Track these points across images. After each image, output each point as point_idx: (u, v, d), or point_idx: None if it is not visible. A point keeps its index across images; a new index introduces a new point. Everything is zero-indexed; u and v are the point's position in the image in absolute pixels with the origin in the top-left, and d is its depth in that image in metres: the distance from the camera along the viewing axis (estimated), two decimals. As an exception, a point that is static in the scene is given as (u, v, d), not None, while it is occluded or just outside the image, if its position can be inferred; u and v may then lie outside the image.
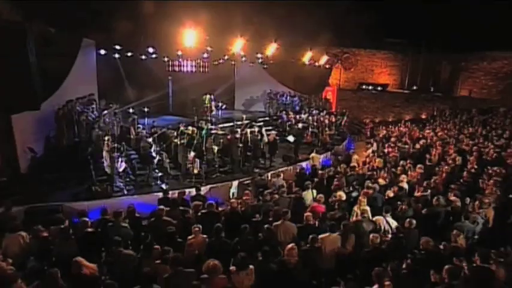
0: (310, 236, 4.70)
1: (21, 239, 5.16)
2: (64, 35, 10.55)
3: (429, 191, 7.20)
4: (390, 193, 7.08)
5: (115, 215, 5.20)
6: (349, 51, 25.02)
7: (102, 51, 13.11)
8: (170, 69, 14.94)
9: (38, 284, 3.82)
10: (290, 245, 4.44)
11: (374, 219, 5.76)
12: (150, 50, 12.49)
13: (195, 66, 14.92)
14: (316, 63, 16.43)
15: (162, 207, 5.55)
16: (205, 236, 4.94)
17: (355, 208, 6.15)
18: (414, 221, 5.46)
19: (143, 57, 13.37)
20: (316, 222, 5.46)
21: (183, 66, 15.14)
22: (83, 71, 12.58)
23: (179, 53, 12.82)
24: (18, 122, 9.01)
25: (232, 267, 4.13)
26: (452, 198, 6.66)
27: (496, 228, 6.08)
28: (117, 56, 13.39)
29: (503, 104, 20.43)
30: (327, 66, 18.22)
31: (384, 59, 26.00)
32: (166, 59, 14.62)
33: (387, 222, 5.66)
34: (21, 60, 8.52)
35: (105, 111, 11.38)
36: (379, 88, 24.10)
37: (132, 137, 10.89)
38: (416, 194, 7.29)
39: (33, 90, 8.91)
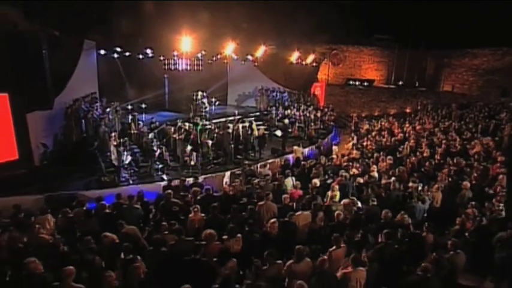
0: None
1: (49, 219, 6.35)
2: (67, 37, 11.57)
3: (393, 178, 8.49)
4: (360, 180, 8.39)
5: (129, 198, 6.43)
6: (338, 47, 26.20)
7: (102, 52, 14.12)
8: (166, 67, 16.00)
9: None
10: (271, 220, 5.71)
11: (343, 201, 7.04)
12: (148, 51, 13.59)
13: (189, 65, 15.97)
14: (303, 62, 17.58)
15: (169, 191, 6.79)
16: (203, 214, 6.20)
17: (328, 193, 7.43)
18: (375, 201, 6.83)
19: (140, 56, 14.39)
20: (294, 204, 6.74)
21: (178, 65, 16.19)
22: (85, 71, 13.59)
23: (175, 53, 13.96)
24: (31, 119, 10.13)
25: (224, 236, 5.37)
26: (411, 184, 7.98)
27: (443, 208, 7.43)
28: (116, 56, 14.42)
29: (482, 98, 21.83)
30: (314, 64, 19.38)
31: (371, 55, 27.24)
32: (162, 58, 15.67)
33: (354, 203, 6.97)
34: (36, 65, 9.67)
35: (108, 109, 12.47)
36: (366, 83, 25.39)
37: (133, 132, 12.05)
38: (383, 181, 8.59)
39: (46, 91, 10.08)
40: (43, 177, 9.62)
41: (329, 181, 8.14)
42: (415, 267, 4.73)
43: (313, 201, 6.41)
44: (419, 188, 7.69)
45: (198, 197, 7.05)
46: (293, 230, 5.82)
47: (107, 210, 6.36)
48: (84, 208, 6.51)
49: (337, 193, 7.31)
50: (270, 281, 4.31)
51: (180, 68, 15.79)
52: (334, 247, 4.95)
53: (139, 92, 15.68)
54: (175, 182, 8.34)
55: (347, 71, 26.39)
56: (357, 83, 25.24)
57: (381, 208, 6.45)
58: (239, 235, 5.36)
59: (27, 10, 9.60)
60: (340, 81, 25.76)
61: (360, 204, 6.95)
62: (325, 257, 4.62)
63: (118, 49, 13.68)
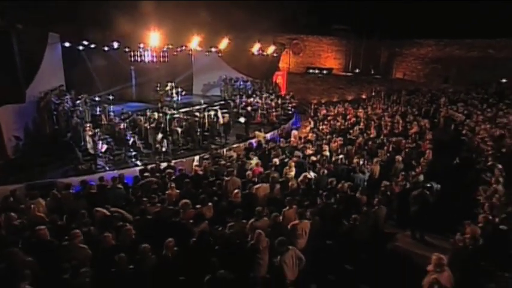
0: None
1: (40, 202, 7.18)
2: (32, 30, 11.92)
3: (341, 156, 10.01)
4: (314, 158, 9.84)
5: (112, 179, 7.42)
6: (298, 37, 27.65)
7: (67, 44, 14.47)
8: (132, 59, 16.59)
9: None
10: (235, 191, 6.96)
11: (299, 179, 8.39)
12: (115, 44, 14.17)
13: (155, 56, 16.66)
14: (265, 53, 18.79)
15: (147, 174, 7.84)
16: (178, 190, 7.32)
17: (285, 169, 8.78)
18: (326, 171, 8.29)
19: (106, 48, 14.87)
20: (255, 179, 8.03)
21: (144, 56, 16.83)
22: (51, 64, 13.93)
23: (141, 45, 14.64)
24: (2, 113, 10.62)
25: (197, 205, 6.54)
26: (355, 160, 9.53)
27: (380, 177, 9.02)
28: (81, 48, 14.81)
29: (427, 85, 24.19)
30: (275, 54, 20.65)
31: (330, 44, 28.95)
32: (127, 50, 16.21)
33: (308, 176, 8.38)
34: (8, 60, 10.14)
35: (78, 101, 13.05)
36: (325, 71, 27.11)
37: (103, 123, 12.75)
38: (333, 159, 10.09)
39: (19, 86, 10.59)
40: (20, 168, 10.19)
41: (286, 160, 9.50)
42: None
43: (271, 176, 7.72)
44: (361, 163, 9.22)
45: (173, 177, 8.15)
46: (254, 198, 7.10)
47: (93, 191, 7.30)
48: (73, 190, 7.41)
49: (293, 169, 8.69)
50: (235, 233, 5.56)
51: (146, 60, 16.46)
52: (287, 207, 6.29)
53: (107, 84, 16.22)
54: (151, 167, 9.34)
55: (307, 60, 27.94)
56: (317, 71, 26.90)
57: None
58: (210, 204, 6.57)
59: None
60: (300, 70, 27.28)
61: (313, 175, 8.38)
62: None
63: (83, 42, 14.10)
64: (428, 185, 7.56)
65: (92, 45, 14.57)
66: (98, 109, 13.78)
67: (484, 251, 4.76)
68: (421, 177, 8.20)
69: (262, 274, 5.19)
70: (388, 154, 10.23)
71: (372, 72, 28.50)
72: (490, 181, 7.20)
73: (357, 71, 28.37)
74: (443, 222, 7.17)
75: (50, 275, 4.67)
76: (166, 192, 7.17)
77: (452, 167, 9.86)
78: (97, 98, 14.86)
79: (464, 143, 12.18)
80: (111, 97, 15.14)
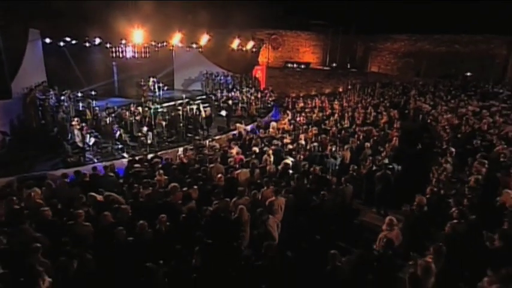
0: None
1: (37, 192, 7.77)
2: (12, 26, 12.24)
3: (315, 144, 10.95)
4: (290, 146, 10.75)
5: (104, 168, 8.08)
6: (277, 32, 28.49)
7: (48, 40, 14.78)
8: (114, 55, 16.99)
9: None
10: (219, 175, 7.76)
11: (282, 162, 9.25)
12: (97, 40, 14.60)
13: (137, 52, 17.11)
14: (244, 48, 19.55)
15: (137, 164, 8.54)
16: (166, 176, 8.07)
17: (264, 157, 9.64)
18: (301, 157, 9.21)
19: (87, 44, 15.23)
20: (237, 165, 8.86)
21: (126, 52, 17.24)
22: (32, 60, 14.25)
23: (123, 41, 15.12)
24: (-12, 109, 11.03)
25: (184, 188, 7.31)
26: (328, 147, 10.49)
27: (350, 162, 10.01)
28: (62, 44, 15.13)
29: (400, 78, 25.55)
30: (254, 49, 21.43)
31: (308, 39, 29.96)
32: (109, 46, 16.60)
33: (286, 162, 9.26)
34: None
35: (62, 97, 13.46)
36: (303, 66, 28.10)
37: (88, 118, 13.23)
38: (308, 146, 11.02)
39: (5, 82, 10.98)
40: (8, 162, 10.65)
41: (265, 149, 10.35)
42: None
43: (251, 162, 8.57)
44: (333, 150, 10.19)
45: (160, 165, 8.88)
46: (236, 182, 7.93)
47: (87, 179, 7.95)
48: (68, 180, 8.04)
49: (271, 156, 9.55)
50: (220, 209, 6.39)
51: (127, 56, 16.90)
52: (265, 187, 7.15)
53: (89, 80, 16.60)
54: (139, 157, 10.03)
55: (286, 55, 28.85)
56: (295, 65, 27.87)
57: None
58: (195, 186, 7.36)
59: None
60: (279, 64, 28.17)
61: (290, 161, 9.28)
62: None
63: (65, 37, 14.44)
64: (390, 166, 8.60)
65: (73, 42, 14.95)
66: (81, 104, 14.22)
67: (428, 216, 5.77)
68: (386, 161, 9.24)
69: (245, 244, 6.05)
70: (359, 142, 11.24)
71: (349, 66, 29.75)
72: (441, 161, 8.28)
73: (334, 65, 29.52)
74: (404, 199, 8.21)
75: (57, 249, 5.37)
76: (155, 178, 7.90)
77: (415, 152, 10.96)
78: (79, 94, 15.26)
79: (429, 131, 13.37)
80: (93, 93, 15.55)
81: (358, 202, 8.69)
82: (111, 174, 8.17)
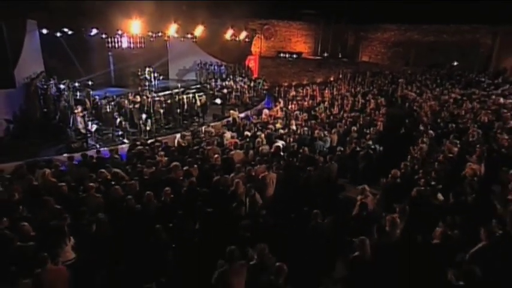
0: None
1: (47, 172, 8.50)
2: (11, 17, 12.75)
3: (305, 128, 11.81)
4: (282, 131, 11.59)
5: (110, 150, 8.83)
6: (269, 22, 29.07)
7: (45, 31, 15.28)
8: (110, 45, 17.54)
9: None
10: (215, 156, 8.58)
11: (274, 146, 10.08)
12: (94, 31, 15.16)
13: (132, 42, 17.68)
14: (237, 38, 20.21)
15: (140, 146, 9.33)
16: (166, 157, 8.86)
17: (257, 140, 10.46)
18: (292, 140, 10.07)
19: (84, 35, 15.75)
20: (232, 148, 9.68)
21: (121, 43, 17.80)
22: (30, 51, 14.76)
23: (119, 32, 15.69)
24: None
25: (185, 167, 8.11)
26: (316, 131, 11.34)
27: (338, 144, 10.88)
28: (58, 34, 15.65)
29: (390, 67, 26.40)
30: (247, 39, 22.08)
31: (300, 29, 30.57)
32: (104, 36, 17.13)
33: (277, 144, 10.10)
34: (-1, 47, 11.12)
35: (62, 86, 14.07)
36: (295, 55, 28.78)
37: (87, 107, 13.88)
38: (298, 131, 11.87)
39: (10, 71, 11.62)
40: (14, 148, 11.31)
41: (258, 133, 11.18)
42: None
43: (245, 144, 9.40)
44: (322, 133, 11.05)
45: (160, 148, 9.66)
46: (231, 162, 8.75)
47: (94, 160, 8.71)
48: (76, 162, 8.80)
49: (264, 140, 10.38)
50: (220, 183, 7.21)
51: (123, 46, 17.46)
52: (258, 166, 7.99)
53: (86, 70, 17.16)
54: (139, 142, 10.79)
55: (278, 44, 29.48)
56: (287, 55, 28.56)
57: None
58: (195, 165, 8.17)
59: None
60: (272, 54, 28.83)
61: (281, 143, 10.12)
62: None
63: (62, 28, 14.95)
64: (372, 146, 9.48)
65: (70, 32, 15.46)
66: (79, 94, 14.83)
67: (401, 186, 6.66)
68: (370, 142, 10.13)
69: (242, 213, 6.90)
70: (346, 126, 12.11)
71: (340, 55, 30.50)
72: (418, 142, 9.19)
73: (326, 54, 30.25)
74: (385, 176, 9.10)
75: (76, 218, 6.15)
76: (157, 159, 8.68)
77: (398, 135, 11.88)
78: (76, 84, 15.84)
79: (413, 117, 14.29)
80: (90, 83, 16.15)
81: (344, 181, 9.57)
82: (116, 156, 8.92)
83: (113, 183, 7.26)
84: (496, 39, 22.24)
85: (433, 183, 6.38)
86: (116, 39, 17.66)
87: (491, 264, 3.88)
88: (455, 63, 23.38)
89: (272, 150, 9.58)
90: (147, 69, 16.98)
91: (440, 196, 5.76)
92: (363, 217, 5.56)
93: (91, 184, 6.61)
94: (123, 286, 5.33)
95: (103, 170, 7.73)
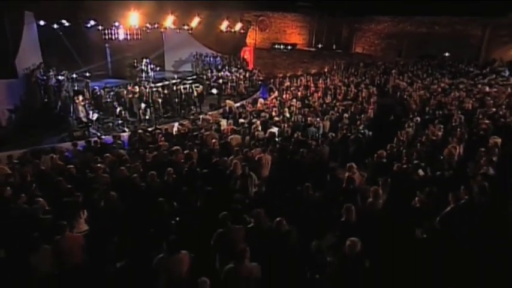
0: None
1: (54, 157, 9.01)
2: (9, 8, 13.10)
3: (299, 116, 12.39)
4: (276, 118, 12.17)
5: (113, 137, 9.36)
6: (264, 14, 29.47)
7: (42, 22, 15.62)
8: (107, 37, 17.91)
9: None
10: (213, 141, 9.14)
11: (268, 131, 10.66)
12: (92, 22, 15.54)
13: (129, 34, 18.05)
14: (232, 30, 20.67)
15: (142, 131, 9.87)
16: (166, 143, 9.40)
17: (253, 127, 11.04)
18: (286, 126, 10.65)
19: (79, 27, 16.11)
20: (229, 133, 10.25)
21: (118, 34, 18.16)
22: (28, 42, 15.10)
23: (116, 23, 16.09)
24: (-4, 88, 12.08)
25: (185, 151, 8.67)
26: (309, 118, 11.92)
27: (330, 129, 11.47)
28: (56, 26, 16.00)
29: (383, 58, 26.98)
30: (242, 31, 22.53)
31: (294, 21, 30.99)
32: (101, 28, 17.49)
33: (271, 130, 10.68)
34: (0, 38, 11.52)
35: (61, 77, 14.47)
36: (290, 47, 29.27)
37: (86, 98, 14.32)
38: (293, 118, 12.45)
39: (12, 63, 12.04)
40: (18, 137, 11.76)
41: (254, 120, 11.75)
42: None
43: (241, 130, 9.98)
44: (315, 120, 11.64)
45: (160, 135, 10.20)
46: (229, 146, 9.32)
47: (99, 145, 9.24)
48: (80, 148, 9.33)
49: (259, 127, 10.95)
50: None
51: (120, 38, 17.84)
52: (254, 149, 8.57)
53: (83, 61, 17.54)
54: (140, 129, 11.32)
55: (273, 36, 29.92)
56: (282, 46, 29.05)
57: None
58: (195, 150, 8.72)
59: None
60: (266, 45, 29.27)
61: (276, 130, 10.71)
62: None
63: (59, 20, 15.31)
64: (362, 131, 10.09)
65: (67, 24, 15.82)
66: (76, 85, 15.23)
67: (386, 165, 7.27)
68: (361, 127, 10.75)
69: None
70: (338, 114, 12.71)
71: (334, 47, 31.00)
72: (405, 127, 9.82)
73: (320, 46, 30.74)
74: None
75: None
76: (158, 143, 9.23)
77: (388, 122, 12.50)
78: (74, 75, 16.24)
79: (403, 105, 14.93)
80: (87, 74, 16.54)
81: (335, 164, 10.17)
82: (119, 141, 9.45)
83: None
84: (485, 31, 22.90)
85: (415, 161, 6.99)
86: (112, 31, 18.03)
87: (457, 224, 4.50)
88: (447, 54, 24.02)
89: (267, 135, 10.15)
90: (144, 60, 17.38)
91: (421, 172, 6.37)
92: (350, 190, 6.16)
93: (99, 165, 7.14)
94: (131, 253, 5.90)
95: (108, 155, 8.25)
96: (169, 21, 15.03)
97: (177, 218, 6.11)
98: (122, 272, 5.43)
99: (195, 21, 16.91)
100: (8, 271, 4.84)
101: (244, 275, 3.83)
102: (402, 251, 4.46)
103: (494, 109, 10.81)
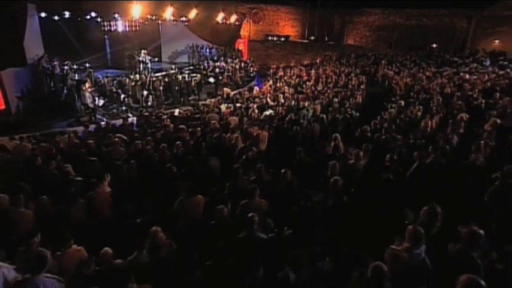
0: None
1: (72, 135, 9.96)
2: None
3: (293, 101, 13.51)
4: (271, 103, 13.28)
5: (123, 119, 10.38)
6: (258, 6, 30.45)
7: (43, 14, 16.48)
8: (106, 29, 18.78)
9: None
10: (213, 121, 10.22)
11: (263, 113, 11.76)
12: (93, 14, 16.44)
13: (128, 26, 18.93)
14: (228, 22, 21.66)
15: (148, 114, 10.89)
16: (171, 125, 10.45)
17: (249, 110, 12.12)
18: (280, 109, 11.77)
19: (79, 19, 17.01)
20: (228, 115, 11.32)
21: (116, 26, 19.02)
22: (31, 34, 15.94)
23: (116, 15, 17.00)
24: (4, 76, 12.94)
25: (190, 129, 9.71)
26: (302, 102, 13.05)
27: (321, 112, 12.59)
28: (56, 18, 16.86)
29: (374, 50, 28.21)
30: (237, 23, 23.53)
31: (287, 13, 32.07)
32: (99, 20, 18.33)
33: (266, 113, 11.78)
34: (10, 27, 12.39)
35: (65, 67, 15.38)
36: (283, 39, 30.36)
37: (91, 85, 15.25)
38: (286, 103, 13.56)
39: (21, 51, 12.92)
40: (27, 123, 12.66)
41: (250, 105, 12.84)
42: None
43: (239, 112, 11.06)
44: (306, 104, 12.77)
45: (165, 117, 11.24)
46: (228, 126, 10.40)
47: (109, 127, 10.25)
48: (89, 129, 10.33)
49: (255, 110, 12.06)
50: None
51: (119, 30, 18.73)
52: (252, 129, 9.66)
53: (83, 52, 18.43)
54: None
55: (266, 28, 30.96)
56: (275, 38, 30.13)
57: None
58: (198, 129, 9.78)
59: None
60: (260, 37, 30.30)
61: (270, 112, 11.81)
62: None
63: (61, 11, 16.19)
64: (350, 112, 11.23)
65: (67, 16, 16.68)
66: (78, 74, 16.12)
67: (369, 138, 8.42)
68: (349, 110, 11.91)
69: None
70: (328, 99, 13.86)
71: (326, 39, 32.16)
72: (389, 107, 10.99)
73: (312, 38, 31.88)
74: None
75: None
76: (163, 124, 10.27)
77: (375, 105, 13.67)
78: (75, 66, 17.12)
79: (391, 92, 16.13)
80: (87, 65, 17.43)
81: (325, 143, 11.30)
82: (128, 123, 10.47)
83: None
84: (470, 23, 24.22)
85: (394, 134, 8.15)
86: (111, 23, 18.91)
87: (420, 179, 5.66)
88: (434, 45, 25.31)
89: (262, 117, 11.25)
90: (143, 51, 18.28)
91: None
92: (336, 155, 7.28)
93: (116, 139, 8.17)
94: (146, 212, 6.96)
95: (120, 135, 9.26)
96: (168, 12, 16.00)
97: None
98: (144, 223, 6.48)
99: (192, 13, 17.89)
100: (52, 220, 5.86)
101: (255, 208, 4.91)
102: (374, 192, 5.57)
103: (470, 93, 12.03)
